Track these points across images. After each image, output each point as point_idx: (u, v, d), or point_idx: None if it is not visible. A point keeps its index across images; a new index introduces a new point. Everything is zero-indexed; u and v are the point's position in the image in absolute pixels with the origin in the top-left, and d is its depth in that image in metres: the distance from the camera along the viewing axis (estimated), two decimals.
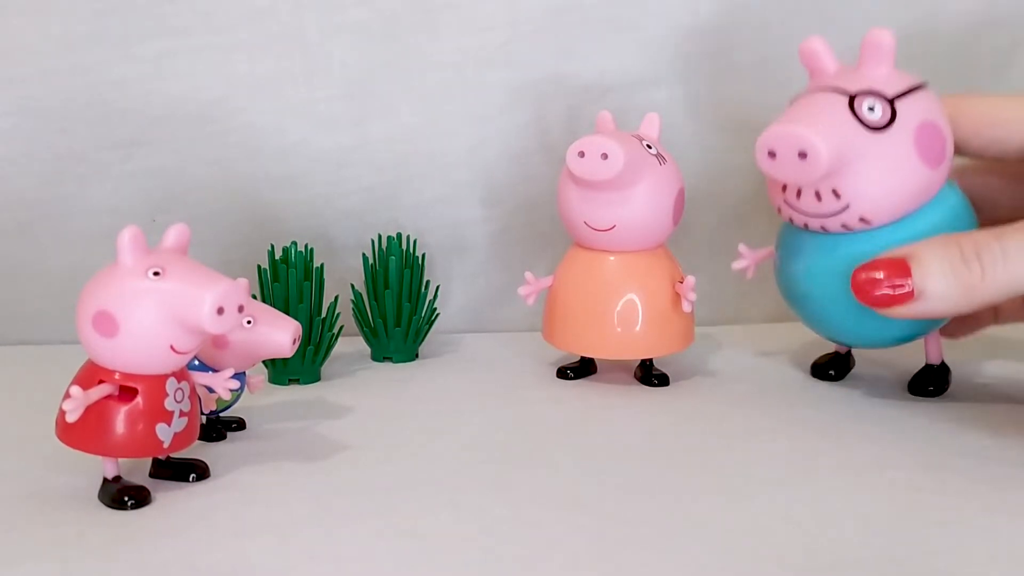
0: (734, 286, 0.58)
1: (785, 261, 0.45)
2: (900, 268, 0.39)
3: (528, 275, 0.49)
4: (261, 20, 0.54)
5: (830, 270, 0.42)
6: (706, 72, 0.56)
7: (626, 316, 0.47)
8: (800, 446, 0.42)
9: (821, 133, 0.39)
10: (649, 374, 0.49)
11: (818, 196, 0.41)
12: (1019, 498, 0.37)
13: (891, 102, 0.41)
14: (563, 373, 0.50)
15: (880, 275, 0.40)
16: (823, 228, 0.42)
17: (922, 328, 0.44)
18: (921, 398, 0.46)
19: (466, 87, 0.55)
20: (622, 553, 0.34)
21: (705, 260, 0.57)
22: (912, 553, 0.33)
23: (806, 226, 0.43)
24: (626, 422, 0.45)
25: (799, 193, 0.42)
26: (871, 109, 0.40)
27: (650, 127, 0.47)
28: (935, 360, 0.47)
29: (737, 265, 0.48)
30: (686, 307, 0.47)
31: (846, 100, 0.41)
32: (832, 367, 0.48)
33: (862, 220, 0.41)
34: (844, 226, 0.42)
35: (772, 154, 0.40)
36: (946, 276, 0.39)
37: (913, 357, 0.47)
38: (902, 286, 0.39)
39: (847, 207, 0.41)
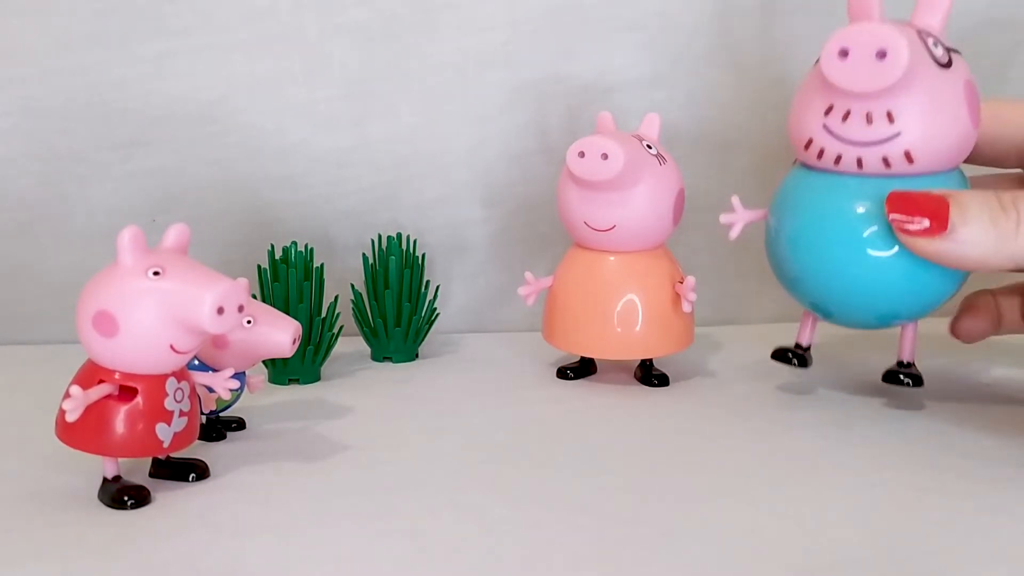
0: (734, 286, 0.58)
1: (787, 214, 0.43)
2: (938, 202, 0.39)
3: (528, 275, 0.49)
4: (261, 20, 0.54)
5: (845, 214, 0.41)
6: (706, 72, 0.56)
7: (626, 316, 0.47)
8: (800, 446, 0.42)
9: (904, 37, 0.38)
10: (649, 374, 0.49)
11: (868, 119, 0.39)
12: (1019, 498, 0.37)
13: (948, 49, 0.40)
14: (563, 373, 0.50)
15: (918, 198, 0.39)
16: (859, 162, 0.40)
17: (907, 311, 0.43)
18: (914, 407, 0.45)
19: (466, 87, 0.55)
20: (622, 553, 0.34)
21: (705, 260, 0.57)
22: (912, 553, 0.33)
23: (838, 160, 0.41)
24: (626, 422, 0.45)
25: (847, 115, 0.40)
26: (936, 45, 0.40)
27: (650, 127, 0.47)
28: (907, 357, 0.44)
29: (725, 218, 0.45)
30: (686, 307, 0.47)
31: (914, 30, 0.40)
32: (794, 355, 0.46)
33: (907, 154, 0.40)
34: (885, 160, 0.40)
35: (844, 53, 0.38)
36: (982, 219, 0.38)
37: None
38: (939, 220, 0.38)
39: (897, 135, 0.39)
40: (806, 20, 0.55)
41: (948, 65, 0.40)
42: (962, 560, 0.33)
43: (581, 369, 0.50)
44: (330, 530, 0.35)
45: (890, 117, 0.39)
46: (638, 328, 0.47)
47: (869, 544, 0.34)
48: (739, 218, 0.45)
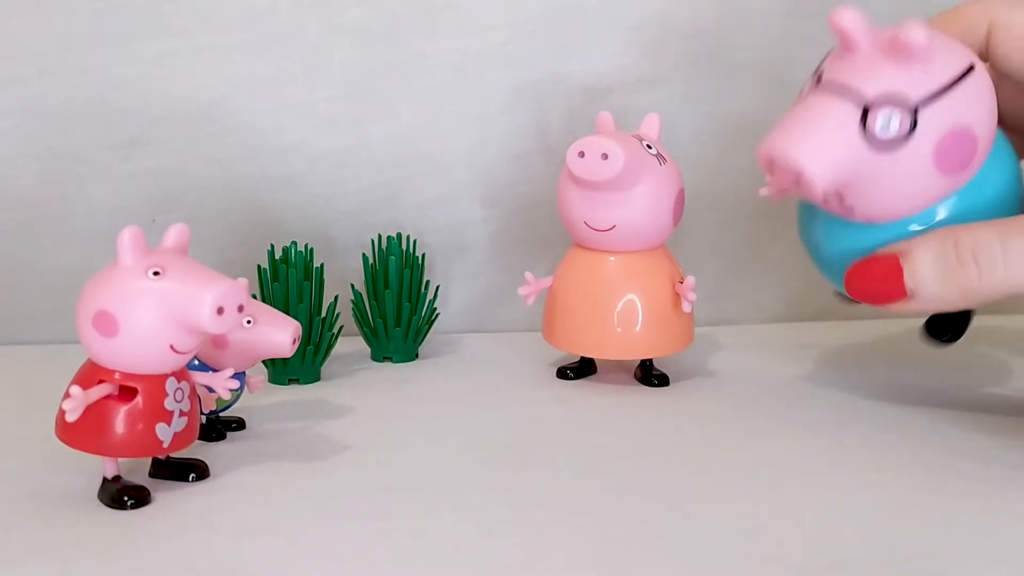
0: (734, 287, 0.58)
1: (804, 221, 0.43)
2: (892, 267, 0.38)
3: (528, 275, 0.49)
4: (261, 20, 0.54)
5: (842, 245, 0.40)
6: (706, 72, 0.56)
7: (626, 316, 0.47)
8: (800, 446, 0.41)
9: (819, 160, 0.36)
10: (649, 374, 0.49)
11: (823, 198, 0.39)
12: (1020, 499, 0.37)
13: (914, 110, 0.36)
14: (563, 373, 0.50)
15: (871, 276, 0.38)
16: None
17: None
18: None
19: (466, 87, 0.55)
20: (622, 553, 0.34)
21: (705, 260, 0.57)
22: (912, 554, 0.33)
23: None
24: (626, 422, 0.45)
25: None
26: (886, 125, 0.36)
27: (650, 127, 0.47)
28: None
29: (765, 191, 0.44)
30: (686, 307, 0.47)
31: (859, 113, 0.36)
32: (949, 329, 0.44)
33: (867, 218, 0.39)
34: (852, 215, 0.39)
35: (771, 163, 0.38)
36: (938, 277, 0.37)
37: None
38: (895, 286, 0.38)
39: (852, 210, 0.39)
40: (805, 20, 0.55)
41: (910, 133, 0.36)
42: (963, 561, 0.33)
43: (581, 369, 0.50)
44: (330, 530, 0.35)
45: (840, 199, 0.39)
46: (638, 328, 0.47)
47: (869, 544, 0.34)
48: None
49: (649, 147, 0.46)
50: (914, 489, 0.38)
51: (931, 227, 0.38)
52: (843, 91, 0.37)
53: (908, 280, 0.38)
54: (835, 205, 0.39)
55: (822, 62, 0.39)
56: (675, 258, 0.49)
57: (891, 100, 0.36)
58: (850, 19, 0.37)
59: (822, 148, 0.36)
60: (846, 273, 0.39)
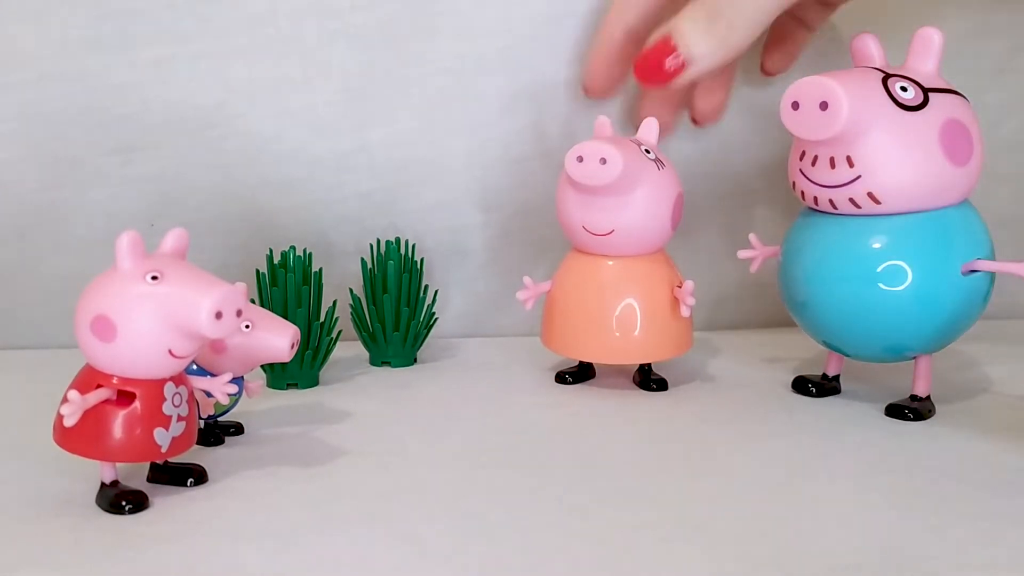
0: (732, 291, 0.58)
1: (789, 256, 0.45)
2: (665, 44, 0.45)
3: (527, 280, 0.49)
4: (260, 26, 0.54)
5: (831, 251, 0.42)
6: None
7: (625, 321, 0.47)
8: (798, 451, 0.41)
9: (845, 87, 0.40)
10: (647, 379, 0.49)
11: (832, 163, 0.41)
12: (1019, 504, 0.37)
13: (925, 90, 0.41)
14: (561, 378, 0.50)
15: (652, 57, 0.45)
16: (832, 203, 0.42)
17: (911, 344, 0.44)
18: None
19: (464, 92, 0.56)
20: (621, 557, 0.34)
21: (704, 265, 0.57)
22: (911, 558, 0.33)
23: (816, 201, 0.43)
24: (624, 426, 0.45)
25: (815, 160, 0.42)
26: (904, 89, 0.41)
27: (648, 132, 0.48)
28: (921, 392, 0.45)
29: (744, 254, 0.48)
30: (684, 312, 0.47)
31: (880, 76, 0.41)
32: (814, 384, 0.48)
33: (870, 196, 0.41)
34: (852, 201, 0.41)
35: (796, 105, 0.41)
36: (703, 37, 0.44)
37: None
38: (676, 58, 0.44)
39: (858, 178, 0.41)
40: None
41: (920, 106, 0.41)
42: (962, 564, 0.33)
43: (579, 374, 0.50)
44: (328, 535, 0.35)
45: (850, 161, 0.41)
46: (637, 332, 0.47)
47: (868, 549, 0.34)
48: (758, 254, 0.48)
49: (647, 152, 0.46)
50: (913, 493, 0.38)
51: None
52: (866, 67, 0.43)
53: (683, 49, 0.44)
54: (841, 174, 0.41)
55: None
56: (673, 263, 0.49)
57: (908, 78, 0.41)
58: (871, 41, 0.44)
59: (850, 83, 0.40)
60: (633, 65, 0.46)
